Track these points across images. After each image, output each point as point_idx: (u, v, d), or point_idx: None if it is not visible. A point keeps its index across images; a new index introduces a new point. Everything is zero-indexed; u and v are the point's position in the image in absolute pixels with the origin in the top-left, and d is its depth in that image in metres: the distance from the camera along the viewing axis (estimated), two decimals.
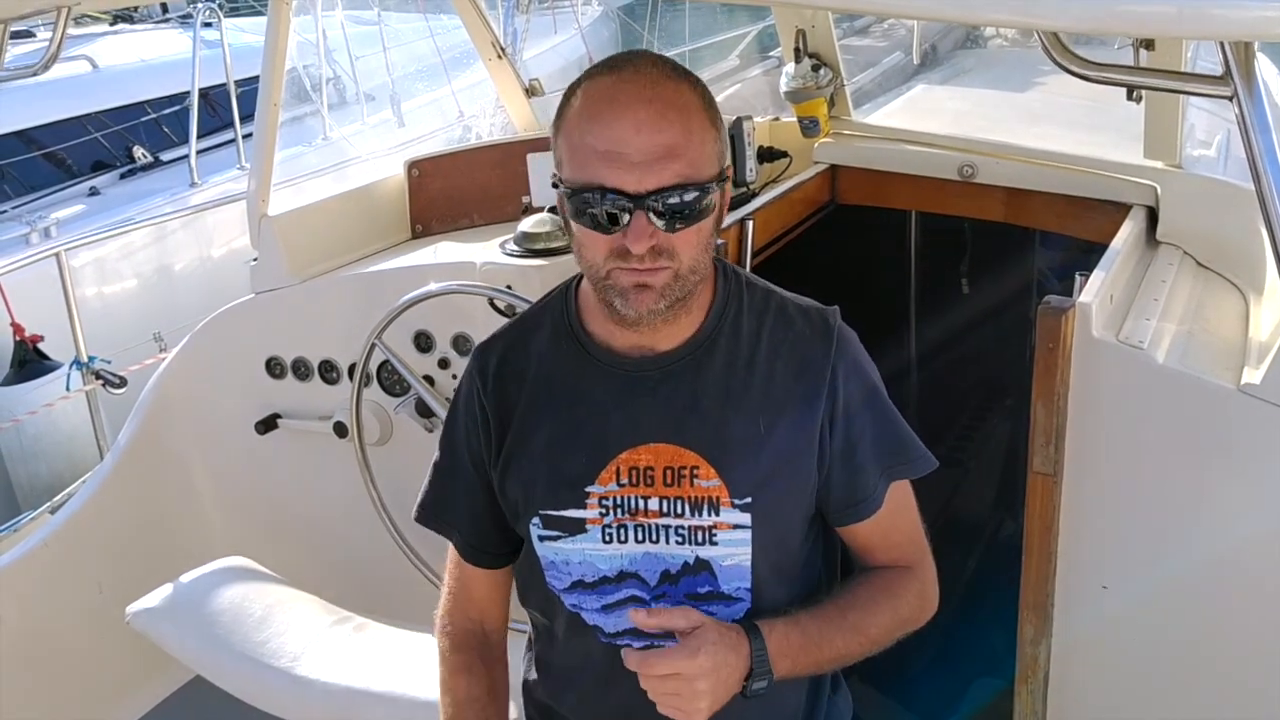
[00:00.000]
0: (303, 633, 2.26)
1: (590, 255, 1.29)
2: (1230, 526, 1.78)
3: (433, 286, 2.45)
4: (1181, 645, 1.88)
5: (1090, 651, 1.94)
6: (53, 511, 2.90)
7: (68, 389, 4.48)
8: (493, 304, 2.50)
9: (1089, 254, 2.20)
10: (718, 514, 1.34)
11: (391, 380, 2.72)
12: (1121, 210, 2.38)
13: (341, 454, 2.76)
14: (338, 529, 2.91)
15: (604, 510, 1.36)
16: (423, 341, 2.67)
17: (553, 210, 2.65)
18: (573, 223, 1.29)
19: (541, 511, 1.38)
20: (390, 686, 2.09)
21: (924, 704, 2.35)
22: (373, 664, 2.17)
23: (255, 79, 2.92)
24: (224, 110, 6.95)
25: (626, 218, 1.23)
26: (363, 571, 2.84)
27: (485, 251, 2.66)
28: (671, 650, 1.24)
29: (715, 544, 1.35)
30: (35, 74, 2.15)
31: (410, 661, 2.17)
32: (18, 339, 4.97)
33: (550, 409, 1.40)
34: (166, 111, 7.23)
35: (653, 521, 1.35)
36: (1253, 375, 1.77)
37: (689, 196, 1.24)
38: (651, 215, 1.23)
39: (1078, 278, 1.93)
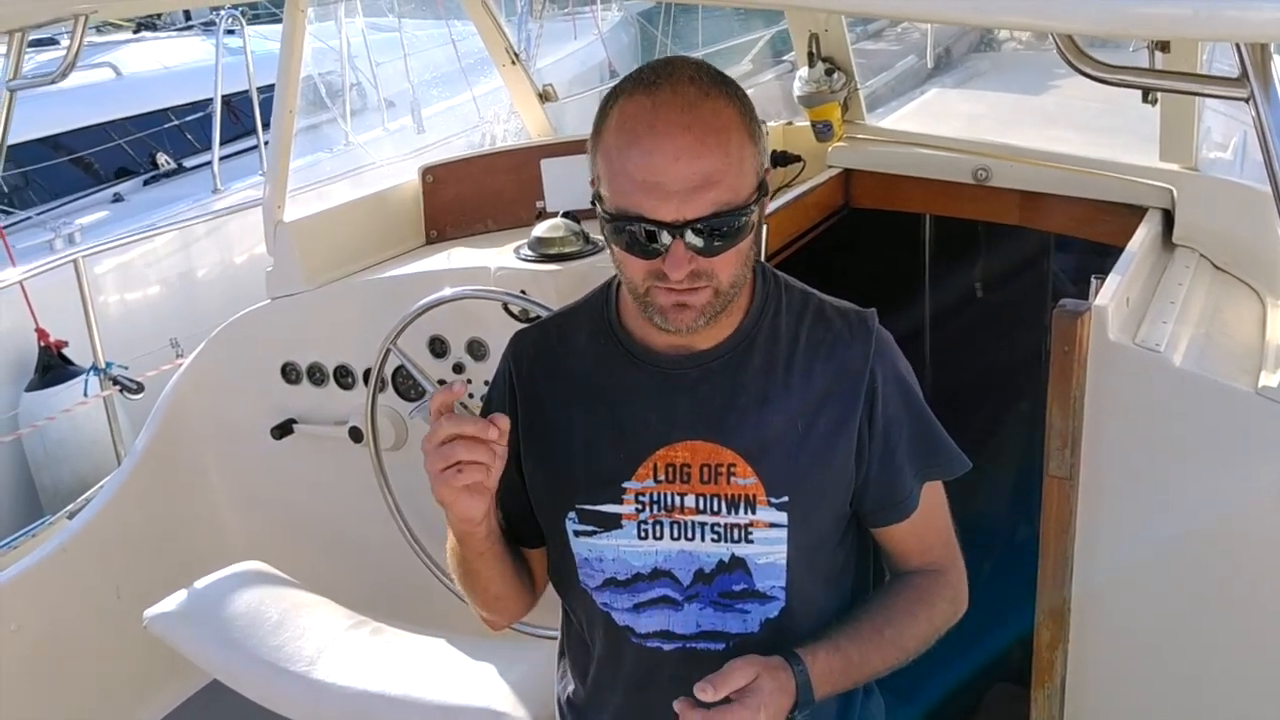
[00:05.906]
0: (319, 637, 2.27)
1: (629, 274, 1.29)
2: (1248, 530, 1.76)
3: (447, 292, 2.46)
4: (1199, 650, 1.86)
5: (1107, 655, 1.93)
6: (70, 516, 2.92)
7: (85, 395, 4.52)
8: (507, 309, 2.51)
9: (1104, 257, 2.18)
10: (754, 512, 1.34)
11: (406, 385, 2.73)
12: (1137, 213, 2.36)
13: (357, 459, 2.77)
14: (353, 533, 2.92)
15: (640, 506, 1.36)
16: (437, 346, 2.67)
17: (567, 215, 2.66)
18: (611, 242, 1.29)
19: (578, 506, 1.39)
20: (407, 690, 2.09)
21: (938, 708, 2.33)
22: (389, 668, 2.18)
23: None
24: (247, 117, 6.99)
25: (665, 245, 1.23)
26: (378, 575, 2.85)
27: (500, 257, 2.67)
28: (733, 710, 1.20)
29: (751, 542, 1.35)
30: (53, 81, 2.17)
31: (426, 665, 2.18)
32: (42, 344, 5.02)
33: (587, 404, 1.40)
34: (190, 118, 7.28)
35: (688, 518, 1.36)
36: (1270, 378, 1.76)
37: (728, 224, 1.23)
38: (690, 242, 1.23)
39: (1093, 281, 1.92)
